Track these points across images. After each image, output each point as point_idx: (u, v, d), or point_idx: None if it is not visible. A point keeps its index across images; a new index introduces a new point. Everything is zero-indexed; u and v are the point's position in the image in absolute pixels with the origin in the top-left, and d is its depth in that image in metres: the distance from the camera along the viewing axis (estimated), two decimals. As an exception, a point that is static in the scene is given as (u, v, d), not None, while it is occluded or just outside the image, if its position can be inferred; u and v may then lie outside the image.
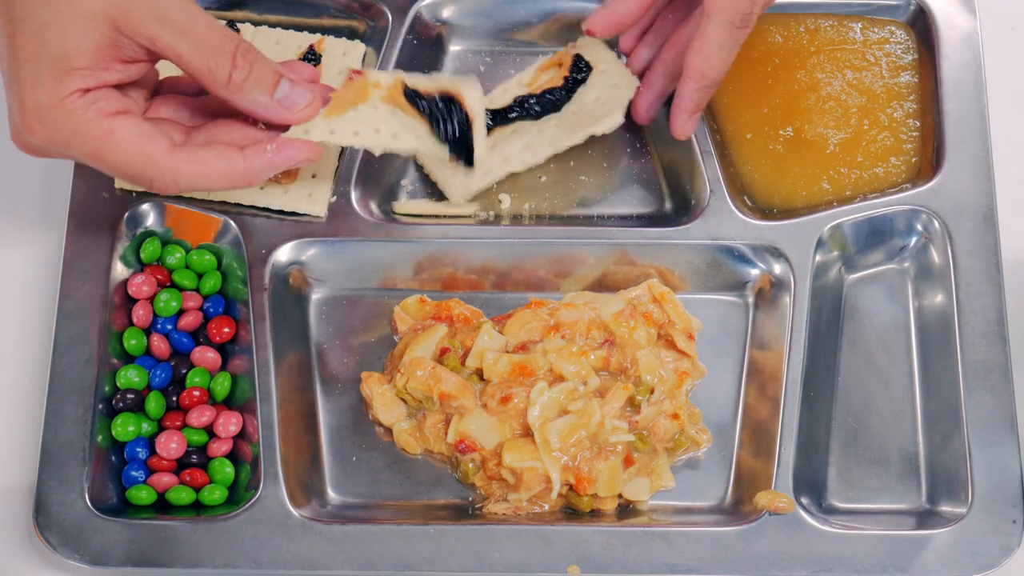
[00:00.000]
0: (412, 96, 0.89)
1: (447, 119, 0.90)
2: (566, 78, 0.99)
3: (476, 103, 0.91)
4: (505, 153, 0.99)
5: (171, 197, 0.97)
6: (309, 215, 0.97)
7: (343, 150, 0.99)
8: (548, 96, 0.99)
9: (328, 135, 0.86)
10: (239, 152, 0.83)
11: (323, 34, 1.04)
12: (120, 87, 0.82)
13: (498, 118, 0.98)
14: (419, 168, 1.02)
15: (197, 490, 0.91)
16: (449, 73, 1.05)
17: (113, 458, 0.91)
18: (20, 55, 0.78)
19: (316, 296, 0.98)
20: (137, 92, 0.85)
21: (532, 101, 0.98)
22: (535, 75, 1.02)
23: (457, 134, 0.90)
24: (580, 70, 1.00)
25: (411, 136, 0.89)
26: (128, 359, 0.94)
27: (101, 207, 0.96)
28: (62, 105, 0.78)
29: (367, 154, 0.99)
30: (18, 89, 0.79)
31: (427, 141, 0.90)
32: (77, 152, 0.81)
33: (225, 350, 0.95)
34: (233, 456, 0.92)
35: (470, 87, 0.91)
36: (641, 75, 0.99)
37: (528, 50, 1.06)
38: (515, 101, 0.99)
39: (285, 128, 0.86)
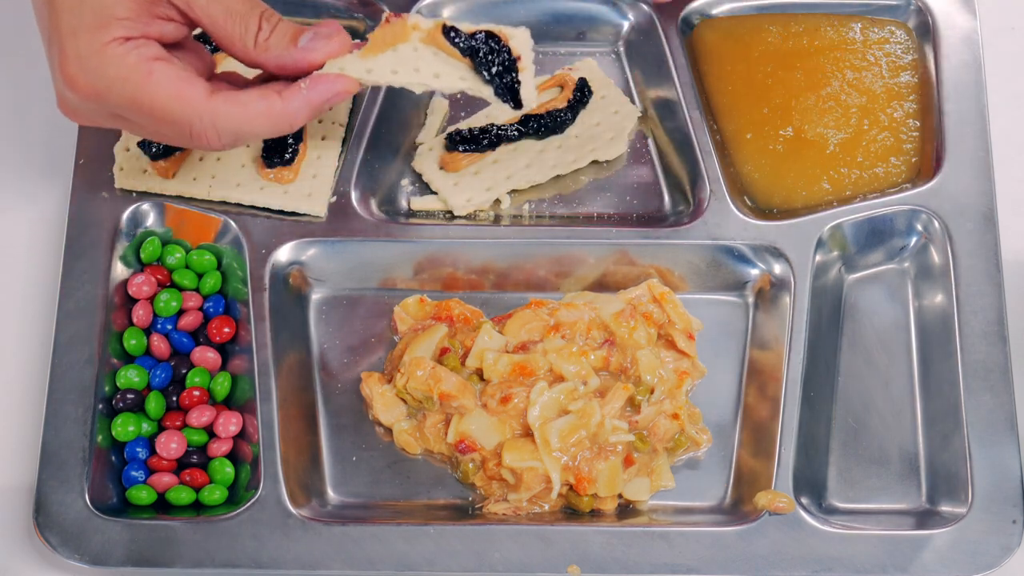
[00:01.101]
0: (451, 34, 0.85)
1: (490, 57, 0.86)
2: (569, 100, 1.00)
3: (523, 44, 0.87)
4: (508, 170, 1.00)
5: (171, 196, 0.97)
6: (309, 215, 0.97)
7: (343, 150, 0.99)
8: (552, 117, 0.99)
9: (365, 74, 0.85)
10: (276, 93, 0.83)
11: (323, 34, 1.04)
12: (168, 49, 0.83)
13: (502, 135, 0.99)
14: (419, 173, 1.02)
15: (197, 490, 0.91)
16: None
17: (113, 458, 0.91)
18: (60, 7, 0.79)
19: (316, 296, 0.98)
20: (190, 64, 0.85)
21: (537, 121, 0.99)
22: None
23: (501, 72, 0.86)
24: (583, 93, 1.01)
25: (455, 76, 0.86)
26: (128, 359, 0.94)
27: (101, 207, 0.96)
28: (103, 51, 0.79)
29: (367, 153, 0.99)
30: (59, 40, 0.79)
31: (471, 80, 0.87)
32: (116, 99, 0.80)
33: (225, 350, 0.95)
34: (233, 456, 0.92)
35: (516, 30, 0.88)
36: None
37: (528, 50, 1.06)
38: (521, 119, 1.00)
39: None
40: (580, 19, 1.06)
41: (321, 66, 0.84)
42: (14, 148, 0.97)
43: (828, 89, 1.02)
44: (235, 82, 0.88)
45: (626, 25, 1.06)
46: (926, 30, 1.04)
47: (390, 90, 1.00)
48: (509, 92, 0.87)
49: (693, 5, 1.04)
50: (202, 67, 0.86)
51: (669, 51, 1.02)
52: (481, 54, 0.85)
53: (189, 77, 0.81)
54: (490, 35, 0.86)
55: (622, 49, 1.07)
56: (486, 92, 0.87)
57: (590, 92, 1.02)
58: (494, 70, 0.86)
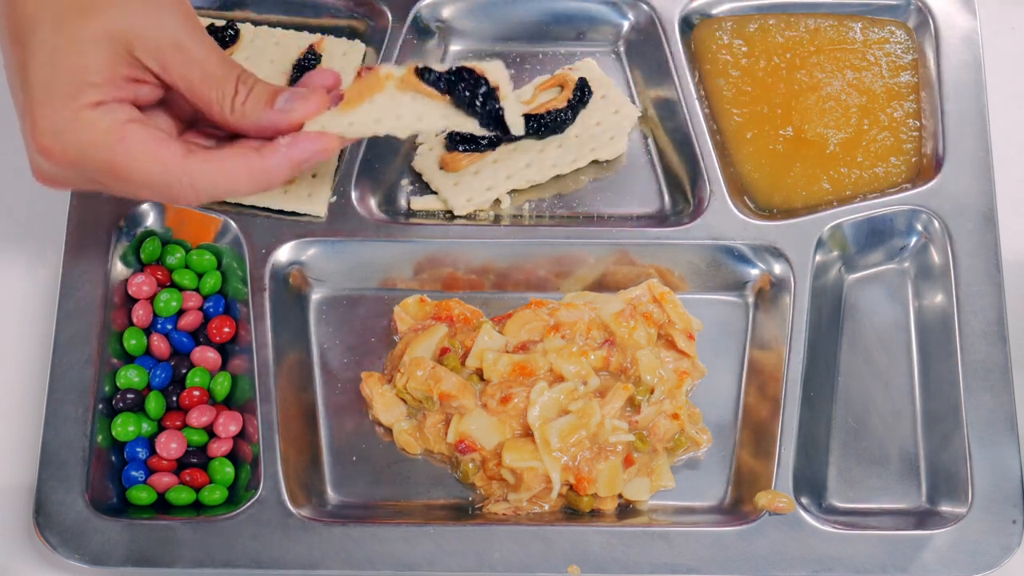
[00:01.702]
0: (425, 75, 0.85)
1: (469, 90, 0.85)
2: (570, 100, 1.00)
3: (499, 75, 0.87)
4: (509, 170, 1.00)
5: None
6: (309, 215, 0.97)
7: (343, 151, 0.99)
8: (553, 117, 1.00)
9: (347, 127, 0.84)
10: (255, 150, 0.81)
11: (323, 34, 1.04)
12: (143, 110, 0.81)
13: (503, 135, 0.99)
14: (419, 173, 1.02)
15: (197, 490, 0.91)
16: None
17: (113, 458, 0.91)
18: (32, 79, 0.77)
19: (316, 296, 0.98)
20: (167, 121, 0.84)
21: (537, 120, 0.99)
22: (534, 93, 1.02)
23: (484, 102, 0.85)
24: (584, 93, 1.01)
25: (437, 115, 0.86)
26: (128, 359, 0.94)
27: (101, 207, 0.96)
28: (76, 117, 0.77)
29: (367, 154, 0.99)
30: (31, 111, 0.77)
31: (454, 116, 0.86)
32: (91, 164, 0.79)
33: (225, 350, 0.95)
34: (233, 456, 0.92)
35: (490, 64, 0.87)
36: None
37: (528, 51, 1.06)
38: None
39: None
40: (580, 19, 1.06)
41: (301, 126, 0.82)
42: (14, 148, 0.96)
43: (828, 89, 1.02)
44: (215, 135, 0.86)
45: (626, 25, 1.06)
46: (926, 30, 1.04)
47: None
48: (494, 120, 0.86)
49: (693, 5, 1.04)
50: (179, 123, 0.84)
51: (669, 51, 1.02)
52: (460, 88, 0.85)
53: (163, 139, 0.79)
54: (464, 70, 0.85)
55: (622, 49, 1.07)
56: (471, 125, 0.86)
57: (590, 92, 1.02)
58: (477, 101, 0.85)
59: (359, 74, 0.85)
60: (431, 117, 0.86)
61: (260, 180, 0.81)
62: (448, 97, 0.85)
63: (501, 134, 0.87)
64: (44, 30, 0.77)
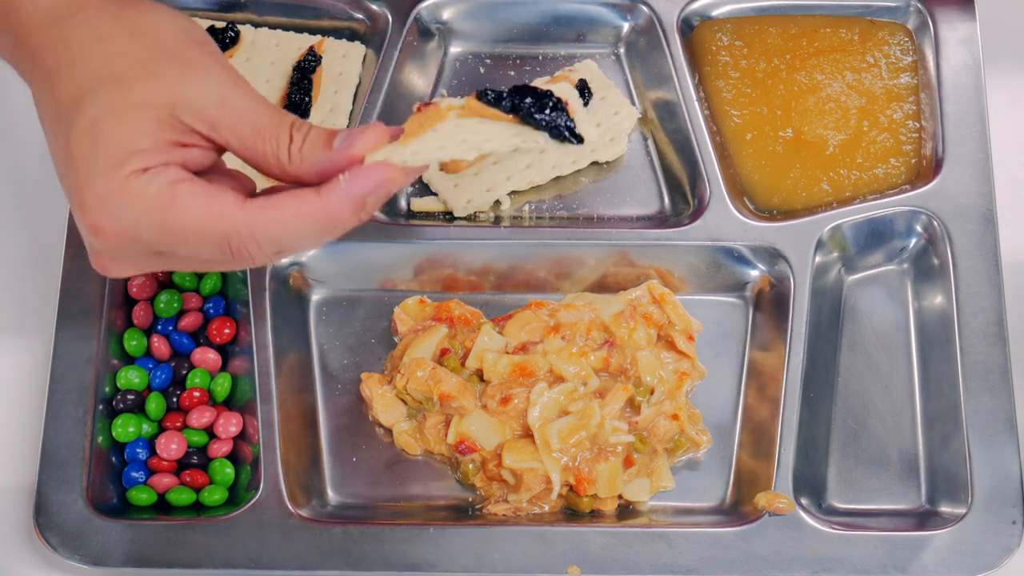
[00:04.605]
0: (488, 96, 0.82)
1: (536, 103, 0.82)
2: None
3: (562, 91, 0.85)
4: (509, 171, 1.00)
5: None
6: (309, 216, 0.97)
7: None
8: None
9: (410, 156, 0.77)
10: (314, 192, 0.74)
11: (323, 35, 1.05)
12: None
13: None
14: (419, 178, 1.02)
15: (197, 491, 0.91)
16: (448, 75, 1.05)
17: (113, 459, 0.91)
18: (75, 154, 0.72)
19: (316, 297, 0.98)
20: (221, 182, 0.77)
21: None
22: None
23: (553, 114, 0.82)
24: (584, 95, 1.01)
25: (507, 133, 0.82)
26: (128, 360, 0.94)
27: (101, 208, 0.96)
28: (123, 188, 0.72)
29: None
30: (78, 192, 0.73)
31: (525, 133, 0.83)
32: (145, 234, 0.73)
33: (225, 351, 0.95)
34: (233, 457, 0.92)
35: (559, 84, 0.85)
36: None
37: (528, 53, 1.06)
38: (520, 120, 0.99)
39: None
40: (580, 20, 1.06)
41: (362, 162, 0.76)
42: (15, 149, 0.97)
43: (828, 90, 1.02)
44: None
45: (626, 27, 1.06)
46: (926, 32, 1.04)
47: (390, 90, 1.01)
48: (566, 129, 0.83)
49: (693, 6, 1.04)
50: (240, 189, 0.77)
51: (669, 52, 1.03)
52: (526, 105, 0.82)
53: (216, 191, 0.73)
54: (523, 88, 0.83)
55: (622, 50, 1.07)
56: (542, 139, 0.83)
57: (590, 93, 1.02)
58: (546, 113, 0.83)
59: (418, 109, 0.81)
60: (501, 137, 0.82)
61: (324, 223, 0.74)
62: (514, 116, 0.82)
63: (575, 141, 0.84)
64: (84, 103, 0.73)
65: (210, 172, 0.77)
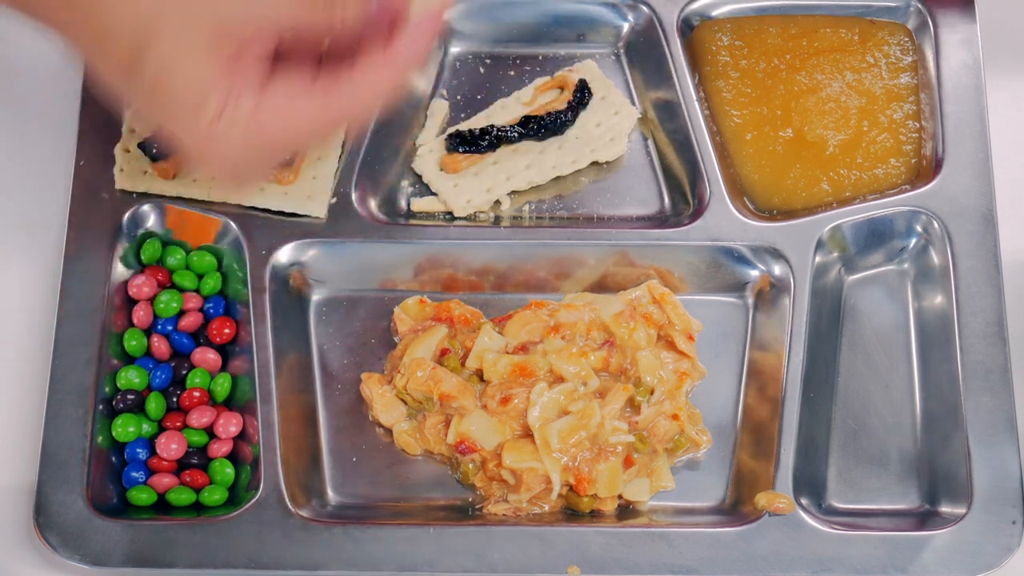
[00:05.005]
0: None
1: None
2: (569, 102, 1.01)
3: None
4: (508, 172, 1.00)
5: (171, 197, 0.97)
6: (309, 216, 0.97)
7: (343, 152, 0.99)
8: (553, 118, 1.00)
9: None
10: (380, 56, 0.78)
11: (323, 36, 1.05)
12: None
13: (502, 136, 0.99)
14: (419, 175, 1.02)
15: (197, 491, 0.91)
16: (448, 75, 1.05)
17: (113, 459, 0.91)
18: (154, 112, 0.77)
19: (316, 297, 0.98)
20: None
21: (537, 122, 0.99)
22: (534, 94, 1.03)
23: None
24: (584, 95, 1.01)
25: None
26: (128, 360, 0.94)
27: (101, 208, 0.96)
28: (211, 135, 0.75)
29: (367, 155, 0.99)
30: (173, 139, 0.78)
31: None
32: (256, 154, 0.78)
33: (225, 351, 0.95)
34: (233, 457, 0.92)
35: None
36: None
37: (528, 53, 1.06)
38: (521, 120, 1.00)
39: None
40: (580, 21, 1.06)
41: None
42: (15, 149, 0.97)
43: (828, 90, 1.02)
44: None
45: (626, 27, 1.06)
46: (926, 32, 1.04)
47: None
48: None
49: (693, 6, 1.04)
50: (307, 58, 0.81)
51: (669, 52, 1.03)
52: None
53: (291, 93, 0.77)
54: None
55: (622, 50, 1.07)
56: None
57: (590, 93, 1.02)
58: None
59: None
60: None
61: (394, 73, 0.78)
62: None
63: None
64: (137, 64, 0.75)
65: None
